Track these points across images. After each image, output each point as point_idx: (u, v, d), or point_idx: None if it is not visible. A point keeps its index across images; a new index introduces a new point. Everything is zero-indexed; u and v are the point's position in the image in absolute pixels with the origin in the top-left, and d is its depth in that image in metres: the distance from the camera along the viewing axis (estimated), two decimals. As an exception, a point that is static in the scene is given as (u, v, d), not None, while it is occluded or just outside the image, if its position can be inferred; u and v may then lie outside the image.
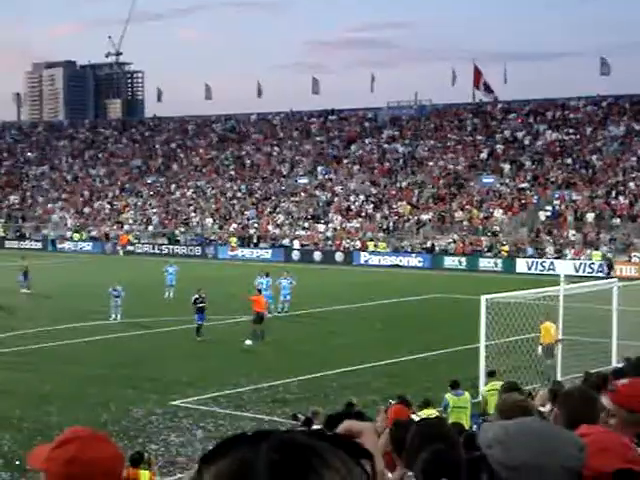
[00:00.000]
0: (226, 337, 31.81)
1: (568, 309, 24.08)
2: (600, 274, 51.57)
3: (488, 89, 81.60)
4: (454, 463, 3.98)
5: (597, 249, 56.85)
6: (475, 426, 14.06)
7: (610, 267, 53.35)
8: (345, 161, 79.42)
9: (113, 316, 35.75)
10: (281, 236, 69.61)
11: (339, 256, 64.25)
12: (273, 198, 76.77)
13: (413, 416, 14.43)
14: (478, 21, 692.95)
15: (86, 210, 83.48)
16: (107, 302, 36.16)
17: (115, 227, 78.18)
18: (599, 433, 4.03)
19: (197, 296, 32.63)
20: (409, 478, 3.83)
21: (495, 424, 2.45)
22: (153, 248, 72.06)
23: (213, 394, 23.05)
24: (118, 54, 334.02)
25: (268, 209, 74.90)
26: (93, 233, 77.91)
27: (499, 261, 58.59)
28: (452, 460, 3.99)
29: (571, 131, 73.03)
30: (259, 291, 33.74)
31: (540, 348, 24.38)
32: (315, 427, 14.71)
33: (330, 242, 66.90)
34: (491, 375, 18.91)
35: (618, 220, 60.26)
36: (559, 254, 57.60)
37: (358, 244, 65.10)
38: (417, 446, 4.23)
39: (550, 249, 58.28)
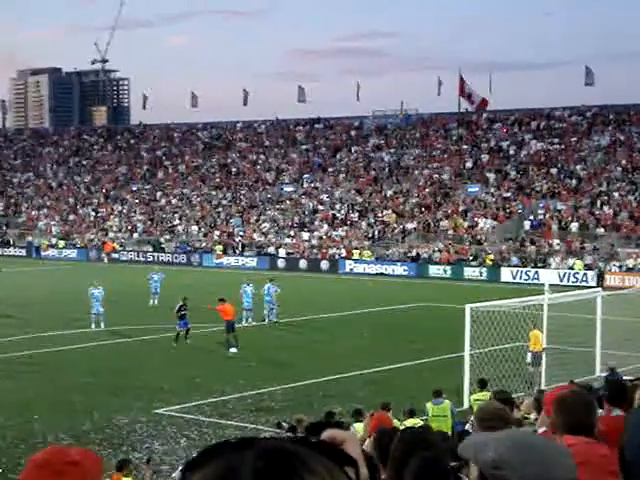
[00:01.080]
0: (210, 345, 31.73)
1: (552, 318, 24.16)
2: (584, 283, 51.72)
3: (470, 99, 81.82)
4: (443, 471, 3.99)
5: (580, 259, 56.98)
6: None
7: (601, 277, 53.37)
8: (331, 169, 79.49)
9: (93, 325, 35.50)
10: (266, 244, 69.56)
11: (325, 264, 64.27)
12: (259, 206, 76.75)
13: (396, 422, 14.43)
14: (464, 31, 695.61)
15: (71, 217, 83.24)
16: (90, 310, 36.01)
17: (100, 234, 77.96)
18: (581, 444, 4.03)
19: (182, 304, 32.78)
20: None
21: (485, 438, 2.43)
22: (138, 255, 71.88)
23: (197, 402, 22.99)
24: (104, 61, 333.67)
25: (254, 217, 74.87)
26: (77, 240, 77.67)
27: (484, 270, 58.72)
28: (441, 468, 4.00)
29: (556, 141, 73.33)
30: (222, 300, 32.59)
31: (529, 355, 24.40)
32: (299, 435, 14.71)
33: (316, 250, 66.90)
34: (482, 385, 18.81)
35: (602, 230, 60.49)
36: (543, 263, 57.79)
37: (344, 252, 65.16)
38: (402, 454, 4.23)
39: (555, 259, 58.35)
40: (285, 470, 1.35)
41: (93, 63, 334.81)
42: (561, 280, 53.11)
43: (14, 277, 57.18)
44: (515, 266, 58.17)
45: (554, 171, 69.02)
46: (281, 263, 65.15)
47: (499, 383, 20.43)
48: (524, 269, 57.27)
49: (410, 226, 67.19)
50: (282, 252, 67.29)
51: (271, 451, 1.37)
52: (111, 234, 77.58)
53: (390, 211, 69.65)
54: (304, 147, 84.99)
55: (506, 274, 57.42)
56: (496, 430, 4.57)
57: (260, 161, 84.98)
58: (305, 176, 79.31)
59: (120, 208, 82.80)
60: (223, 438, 19.00)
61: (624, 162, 67.41)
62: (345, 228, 69.39)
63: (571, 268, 55.96)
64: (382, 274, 60.81)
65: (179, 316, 32.48)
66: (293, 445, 1.39)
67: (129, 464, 13.99)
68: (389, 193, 72.67)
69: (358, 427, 14.41)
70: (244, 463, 1.35)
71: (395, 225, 67.86)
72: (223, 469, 1.36)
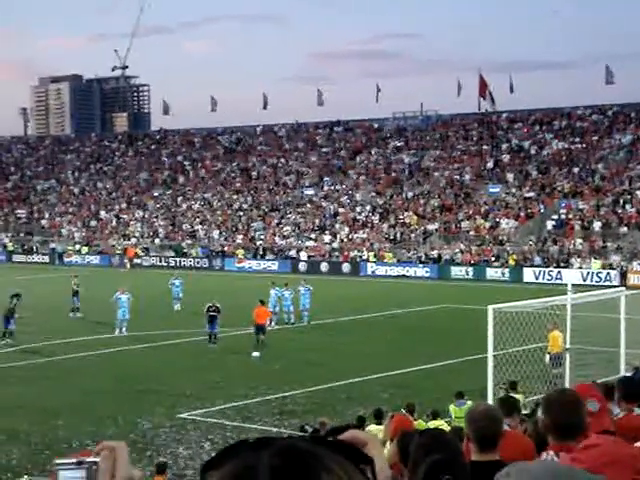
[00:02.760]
0: (233, 349, 31.80)
1: (575, 318, 24.01)
2: (607, 283, 51.40)
3: (492, 99, 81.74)
4: (455, 474, 3.96)
5: (597, 258, 56.57)
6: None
7: (624, 276, 53.11)
8: (351, 172, 79.48)
9: (117, 331, 35.66)
10: (288, 247, 69.65)
11: (346, 267, 64.24)
12: (279, 210, 76.84)
13: (421, 423, 14.41)
14: (483, 31, 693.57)
15: (93, 223, 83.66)
16: (114, 315, 36.17)
17: (122, 240, 78.31)
18: (609, 444, 3.99)
19: (210, 304, 33.25)
20: None
21: (519, 472, 2.35)
22: (160, 261, 72.15)
23: (221, 406, 23.03)
24: (124, 67, 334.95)
25: (275, 221, 74.96)
26: (100, 246, 78.06)
27: (506, 271, 58.50)
28: (453, 471, 3.98)
29: (577, 140, 73.00)
30: (261, 302, 33.64)
31: (548, 357, 24.32)
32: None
33: (337, 253, 66.91)
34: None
35: (625, 229, 60.14)
36: (566, 263, 57.51)
37: (365, 255, 65.15)
38: (419, 457, 4.22)
39: (577, 259, 58.03)
40: (302, 469, 1.37)
41: (113, 70, 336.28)
42: (584, 280, 52.81)
43: (38, 283, 57.52)
44: (538, 266, 57.93)
45: (576, 170, 68.70)
46: (302, 266, 65.17)
47: (523, 385, 20.34)
48: (547, 269, 57.02)
49: (431, 227, 67.06)
50: (303, 255, 67.34)
51: (288, 450, 1.39)
52: (133, 240, 77.91)
53: (411, 213, 69.54)
54: (324, 150, 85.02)
55: (529, 274, 57.18)
56: (488, 430, 4.54)
57: (280, 165, 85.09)
58: (325, 179, 79.34)
59: (142, 214, 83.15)
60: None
61: (646, 160, 66.99)
62: (366, 230, 69.36)
63: (591, 267, 55.64)
64: (404, 276, 60.73)
65: (208, 317, 33.04)
66: (310, 444, 1.41)
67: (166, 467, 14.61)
68: (410, 195, 72.56)
69: (373, 428, 14.33)
70: (261, 462, 1.37)
71: (416, 227, 67.76)
72: (240, 468, 1.39)
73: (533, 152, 73.43)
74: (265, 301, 33.40)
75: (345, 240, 68.60)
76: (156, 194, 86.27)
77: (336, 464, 1.39)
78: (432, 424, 15.37)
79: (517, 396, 16.51)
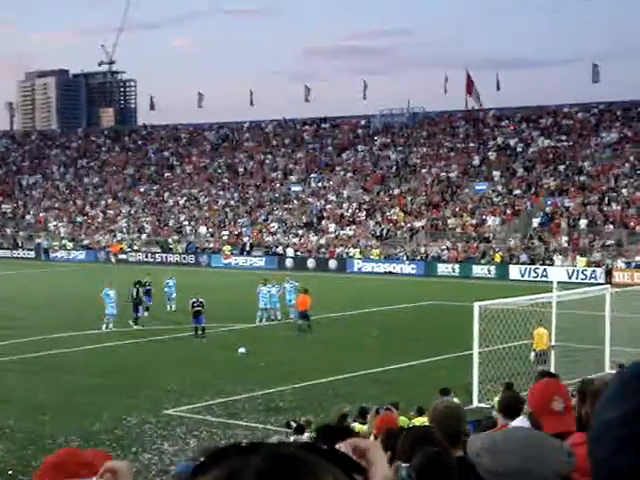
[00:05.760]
0: (220, 345, 31.77)
1: (561, 315, 24.11)
2: (593, 280, 51.58)
3: (477, 97, 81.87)
4: (447, 466, 4.00)
5: (583, 255, 56.77)
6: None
7: (609, 274, 53.31)
8: (338, 168, 79.49)
9: (104, 327, 35.56)
10: (274, 244, 69.59)
11: (333, 263, 64.25)
12: (266, 206, 76.78)
13: (405, 420, 14.44)
14: (470, 29, 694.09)
15: (79, 219, 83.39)
16: (100, 311, 36.04)
17: (108, 236, 78.09)
18: None
19: (194, 300, 33.59)
20: (400, 469, 3.84)
21: (483, 434, 2.48)
22: (147, 256, 71.98)
23: (206, 403, 23.01)
24: (111, 63, 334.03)
25: (261, 217, 74.91)
26: (85, 242, 77.84)
27: (492, 268, 58.63)
28: (445, 463, 4.01)
29: (563, 138, 73.20)
30: (305, 291, 35.72)
31: (533, 354, 24.41)
32: (307, 435, 14.77)
33: (323, 249, 66.90)
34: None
35: (611, 226, 60.35)
36: (552, 261, 57.66)
37: (352, 251, 65.19)
38: (407, 450, 4.25)
39: (559, 256, 58.18)
40: (289, 476, 1.33)
41: (100, 65, 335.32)
42: (569, 277, 52.98)
43: (24, 279, 57.37)
44: (523, 264, 58.08)
45: (562, 168, 68.91)
46: (289, 263, 65.15)
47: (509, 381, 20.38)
48: (532, 267, 57.18)
49: (418, 224, 67.14)
50: (290, 252, 67.30)
51: (276, 456, 1.35)
52: (119, 235, 77.71)
53: (398, 210, 69.61)
54: (311, 146, 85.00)
55: (514, 272, 57.32)
56: (453, 428, 4.58)
57: (267, 161, 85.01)
58: (312, 175, 79.32)
59: (128, 209, 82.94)
60: (232, 439, 19.06)
61: (632, 158, 67.25)
62: (353, 227, 69.38)
63: (575, 265, 55.85)
64: (390, 273, 60.76)
65: (193, 312, 33.16)
66: (301, 451, 1.38)
67: None
68: (396, 192, 72.63)
69: (357, 427, 14.32)
70: (249, 467, 1.35)
71: (403, 224, 67.83)
72: (227, 473, 1.37)
73: (519, 150, 73.61)
74: (308, 290, 36.00)
75: (332, 237, 68.61)
76: (142, 190, 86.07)
77: (326, 472, 1.36)
78: (417, 421, 15.38)
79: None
